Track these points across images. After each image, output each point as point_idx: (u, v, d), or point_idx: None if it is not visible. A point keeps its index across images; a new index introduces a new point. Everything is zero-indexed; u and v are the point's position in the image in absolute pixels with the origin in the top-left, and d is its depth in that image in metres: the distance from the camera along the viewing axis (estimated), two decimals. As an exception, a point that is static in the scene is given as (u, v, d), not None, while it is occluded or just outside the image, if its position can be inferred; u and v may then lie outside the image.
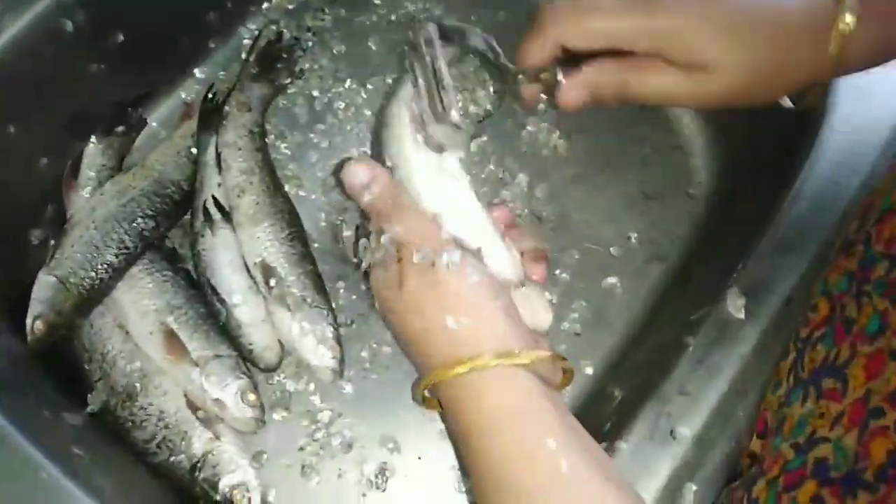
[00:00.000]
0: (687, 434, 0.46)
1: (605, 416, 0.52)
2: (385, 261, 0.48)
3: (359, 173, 0.51)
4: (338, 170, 0.53)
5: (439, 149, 0.52)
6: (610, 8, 0.44)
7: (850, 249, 0.47)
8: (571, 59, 0.47)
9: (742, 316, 0.48)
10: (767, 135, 0.64)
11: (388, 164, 0.54)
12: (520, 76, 0.50)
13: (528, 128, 0.72)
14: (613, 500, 0.39)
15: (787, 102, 0.45)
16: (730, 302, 0.49)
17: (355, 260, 0.64)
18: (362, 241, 0.53)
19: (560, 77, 0.47)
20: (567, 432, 0.41)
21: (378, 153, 0.56)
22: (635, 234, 0.68)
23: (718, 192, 0.68)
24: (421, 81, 0.52)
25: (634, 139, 0.72)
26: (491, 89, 0.57)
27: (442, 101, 0.50)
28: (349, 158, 0.52)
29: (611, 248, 0.67)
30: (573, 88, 0.47)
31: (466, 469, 0.44)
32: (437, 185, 0.52)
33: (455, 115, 0.49)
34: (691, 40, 0.42)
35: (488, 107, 0.57)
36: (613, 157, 0.71)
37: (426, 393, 0.48)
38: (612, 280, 0.66)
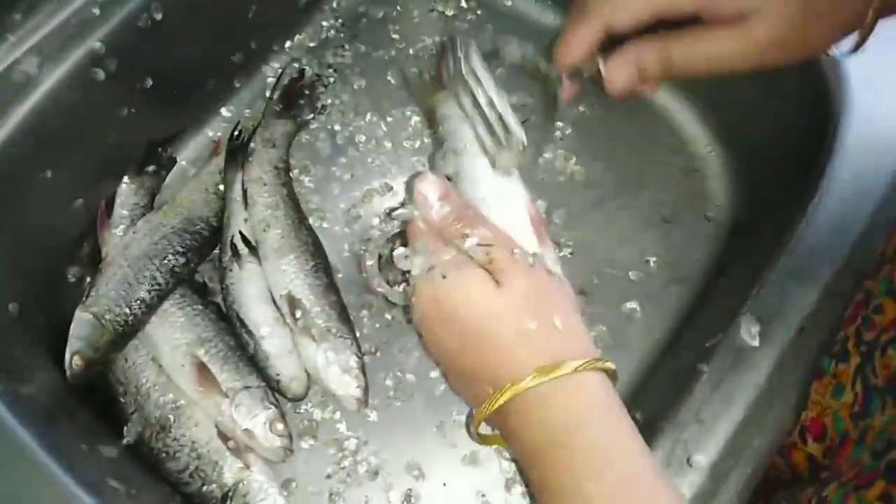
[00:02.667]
0: (703, 462, 0.46)
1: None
2: (459, 266, 0.47)
3: (434, 185, 0.49)
4: (410, 181, 0.52)
5: (508, 172, 0.52)
6: None
7: None
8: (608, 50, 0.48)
9: (756, 343, 0.49)
10: (783, 157, 0.64)
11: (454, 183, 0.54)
12: (559, 76, 0.50)
13: (546, 155, 0.73)
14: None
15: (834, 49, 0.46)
16: (744, 329, 0.49)
17: (379, 289, 0.66)
18: (398, 251, 0.51)
19: (602, 66, 0.47)
20: (635, 434, 0.42)
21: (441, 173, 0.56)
22: (654, 259, 0.68)
23: (736, 215, 0.69)
24: (473, 108, 0.52)
25: (650, 163, 0.73)
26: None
27: (505, 126, 0.50)
28: (419, 172, 0.52)
29: (630, 273, 0.68)
30: (619, 66, 0.47)
31: (538, 486, 0.44)
32: (504, 206, 0.52)
33: (521, 135, 0.49)
34: None
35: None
36: (630, 182, 0.72)
37: (482, 427, 0.47)
38: (631, 304, 0.66)
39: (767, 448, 0.46)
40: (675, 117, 0.74)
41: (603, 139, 0.74)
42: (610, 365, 0.44)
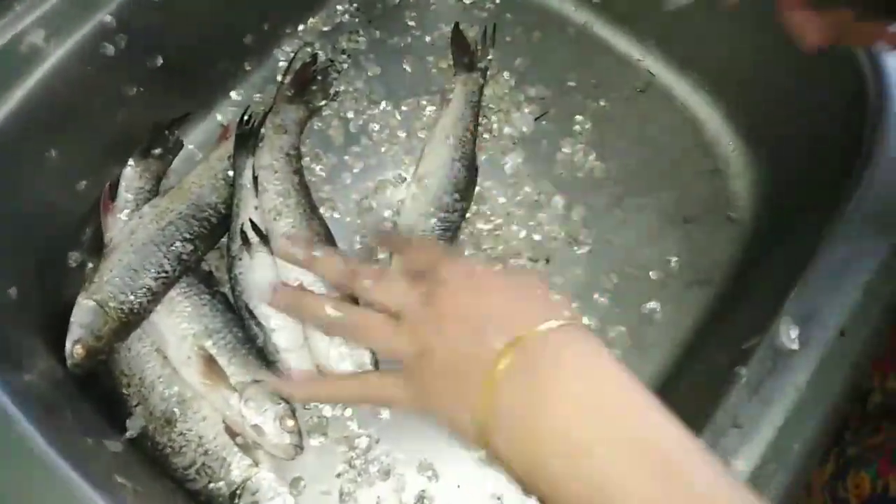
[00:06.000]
0: (744, 469, 0.44)
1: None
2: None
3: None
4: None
5: None
6: None
7: None
8: None
9: (796, 346, 0.47)
10: (811, 157, 0.63)
11: None
12: None
13: (564, 150, 0.72)
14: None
15: None
16: (783, 331, 0.48)
17: None
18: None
19: None
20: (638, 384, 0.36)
21: None
22: (675, 258, 0.67)
23: (761, 216, 0.67)
24: None
25: (672, 162, 0.72)
26: None
27: None
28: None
29: (650, 272, 0.67)
30: None
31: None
32: None
33: None
34: None
35: None
36: (650, 180, 0.71)
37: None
38: (651, 305, 0.65)
39: (808, 453, 0.45)
40: (697, 115, 0.73)
41: (623, 135, 0.72)
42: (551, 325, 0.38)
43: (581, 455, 0.34)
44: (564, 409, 0.35)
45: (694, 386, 0.56)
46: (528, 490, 0.38)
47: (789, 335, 0.47)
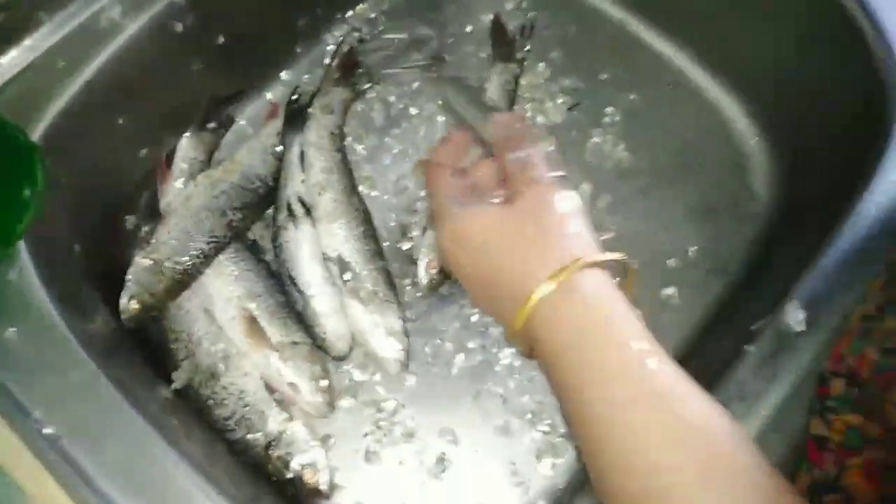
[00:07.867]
0: (746, 439, 0.47)
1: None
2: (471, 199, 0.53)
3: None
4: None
5: None
6: None
7: None
8: None
9: (802, 328, 0.50)
10: (832, 153, 0.65)
11: None
12: None
13: (594, 139, 0.75)
14: (711, 409, 0.42)
15: None
16: (790, 314, 0.50)
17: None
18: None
19: None
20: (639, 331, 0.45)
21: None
22: (694, 248, 0.70)
23: (780, 209, 0.70)
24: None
25: (697, 155, 0.74)
26: None
27: None
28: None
29: (668, 260, 0.69)
30: None
31: (560, 395, 0.46)
32: None
33: None
34: None
35: None
36: (676, 172, 0.73)
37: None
38: (669, 291, 0.68)
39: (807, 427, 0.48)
40: (724, 110, 0.75)
41: (651, 127, 0.75)
42: (614, 256, 0.47)
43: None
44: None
45: (705, 364, 0.58)
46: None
47: (796, 317, 0.50)
